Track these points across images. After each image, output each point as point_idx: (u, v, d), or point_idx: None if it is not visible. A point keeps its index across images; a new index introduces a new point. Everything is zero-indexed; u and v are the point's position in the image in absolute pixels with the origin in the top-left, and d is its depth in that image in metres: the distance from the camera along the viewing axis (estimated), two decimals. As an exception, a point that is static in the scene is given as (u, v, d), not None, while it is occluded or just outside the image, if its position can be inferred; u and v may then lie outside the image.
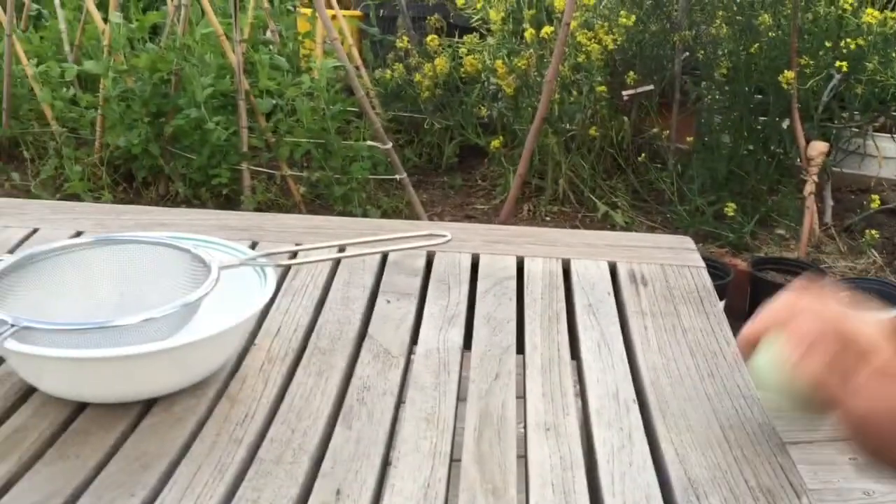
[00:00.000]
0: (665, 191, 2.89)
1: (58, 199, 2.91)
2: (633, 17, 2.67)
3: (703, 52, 2.71)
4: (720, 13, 2.64)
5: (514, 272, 0.84)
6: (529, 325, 0.75)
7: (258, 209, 2.87)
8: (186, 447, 0.58)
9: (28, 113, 3.16)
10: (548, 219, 2.96)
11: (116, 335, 0.62)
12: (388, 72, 3.09)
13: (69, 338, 0.61)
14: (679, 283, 0.82)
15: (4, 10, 3.00)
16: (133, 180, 2.98)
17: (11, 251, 0.85)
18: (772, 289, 2.34)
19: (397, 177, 2.77)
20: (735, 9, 2.63)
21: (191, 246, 0.71)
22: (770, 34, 2.56)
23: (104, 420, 0.61)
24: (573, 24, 2.58)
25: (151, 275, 0.71)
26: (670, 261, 0.86)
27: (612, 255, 0.87)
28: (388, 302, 0.78)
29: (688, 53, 2.82)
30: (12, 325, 0.59)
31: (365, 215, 2.82)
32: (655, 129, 2.84)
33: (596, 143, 2.92)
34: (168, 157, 2.86)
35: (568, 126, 2.91)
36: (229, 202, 2.92)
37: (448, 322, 0.75)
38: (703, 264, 0.85)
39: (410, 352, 0.71)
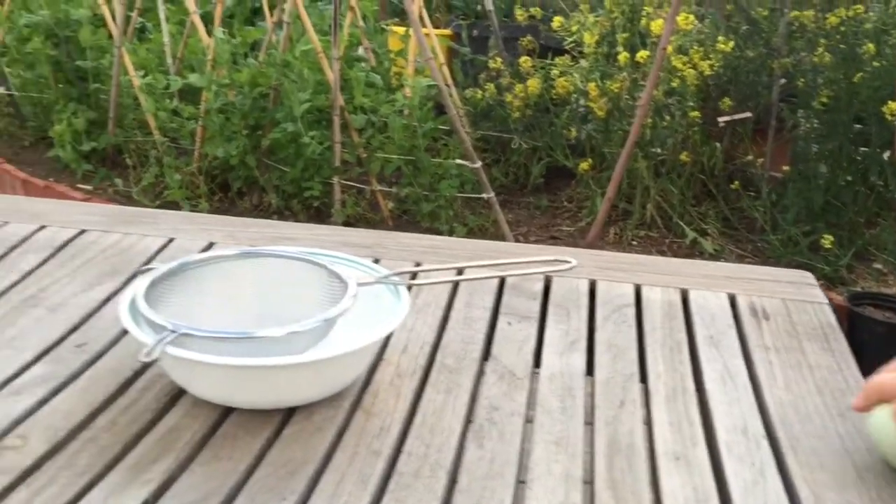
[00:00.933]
0: (757, 219, 2.83)
1: (157, 206, 3.03)
2: (732, 43, 2.64)
3: (802, 79, 2.66)
4: (822, 41, 2.59)
5: (632, 300, 0.85)
6: (651, 353, 0.76)
7: (347, 222, 2.93)
8: (328, 456, 0.61)
9: (132, 122, 3.30)
10: (634, 243, 2.94)
11: (262, 345, 0.65)
12: (479, 91, 3.13)
13: (220, 345, 0.64)
14: (802, 318, 0.82)
15: (115, 22, 3.15)
16: (228, 190, 3.08)
17: (150, 259, 0.89)
18: (870, 324, 2.28)
19: (485, 196, 2.80)
20: (838, 37, 2.57)
21: (327, 262, 0.74)
22: (874, 63, 2.50)
23: (250, 425, 0.64)
24: (668, 48, 2.56)
25: (290, 288, 0.74)
26: (792, 295, 0.86)
27: (731, 287, 0.87)
28: (510, 324, 0.80)
29: (785, 80, 2.77)
30: (173, 332, 0.62)
31: (451, 233, 2.86)
32: (750, 157, 2.79)
33: (686, 168, 2.90)
34: (263, 168, 2.95)
35: (659, 151, 2.89)
36: (319, 214, 2.99)
37: (569, 347, 0.76)
38: (825, 300, 0.84)
39: (534, 374, 0.72)
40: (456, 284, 0.86)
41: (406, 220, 3.02)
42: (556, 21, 2.87)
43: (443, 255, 0.92)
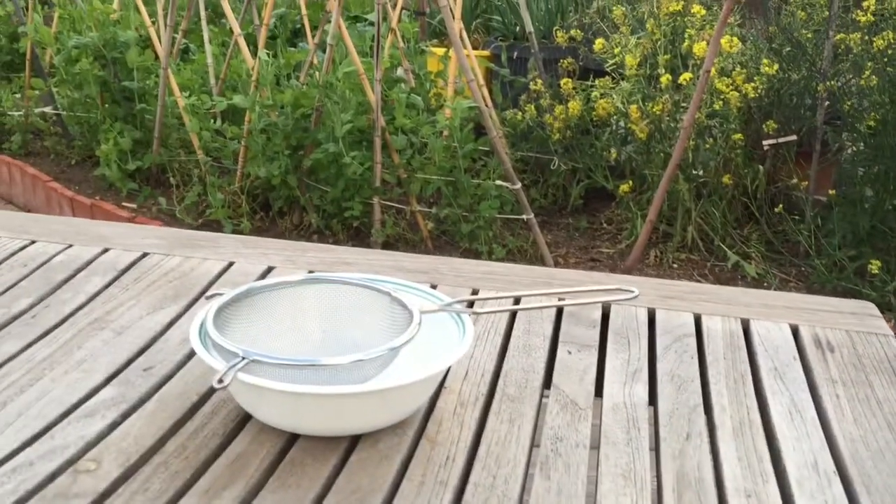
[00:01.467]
0: (800, 243, 2.80)
1: (199, 224, 3.07)
2: (777, 66, 2.62)
3: (849, 103, 2.63)
4: (869, 64, 2.56)
5: (692, 329, 0.84)
6: (714, 385, 0.75)
7: (386, 242, 2.95)
8: (396, 485, 0.61)
9: (175, 142, 3.36)
10: (675, 266, 2.92)
11: (329, 372, 0.65)
12: (519, 113, 3.13)
13: (287, 372, 0.65)
14: (868, 350, 0.80)
15: (160, 43, 3.21)
16: (269, 209, 3.12)
17: (211, 283, 0.91)
18: (920, 352, 2.23)
19: (524, 217, 2.80)
20: (885, 60, 2.54)
21: (391, 289, 0.74)
22: (923, 86, 2.47)
23: (316, 452, 0.64)
24: (712, 70, 2.55)
25: (352, 314, 0.75)
26: (855, 327, 0.84)
27: (793, 318, 0.86)
28: (570, 353, 0.80)
29: (828, 103, 2.75)
30: (243, 358, 0.63)
31: (490, 253, 2.86)
32: (794, 180, 2.76)
33: (728, 191, 2.87)
34: (304, 188, 2.98)
35: (700, 173, 2.87)
36: (359, 235, 3.02)
37: (631, 377, 0.76)
38: (890, 332, 0.83)
39: (597, 404, 0.72)
40: (514, 312, 0.86)
41: (445, 240, 3.03)
42: (598, 44, 2.87)
43: (500, 282, 0.92)
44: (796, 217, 2.83)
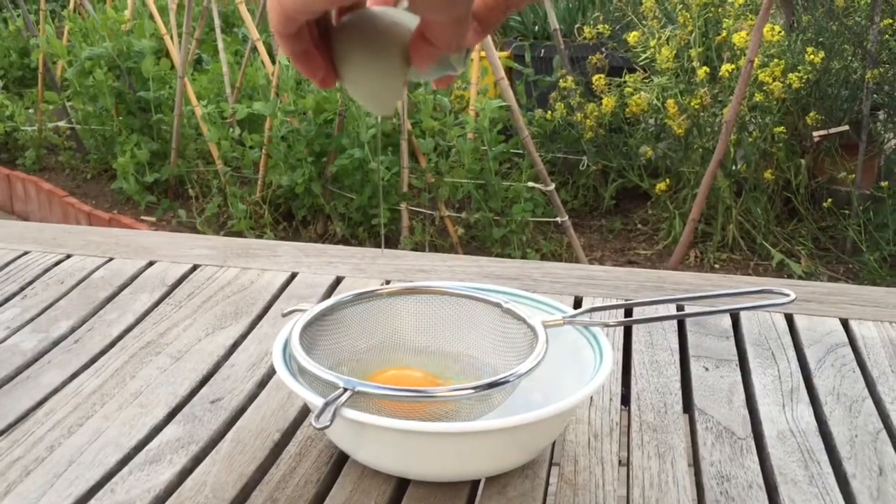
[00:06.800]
0: (848, 239, 2.67)
1: (221, 237, 2.96)
2: (822, 54, 2.50)
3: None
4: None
5: (843, 338, 0.72)
6: (891, 405, 0.63)
7: (415, 250, 2.83)
8: (544, 544, 0.49)
9: (193, 152, 3.25)
10: (717, 266, 2.80)
11: (448, 405, 0.53)
12: (549, 112, 3.02)
13: (395, 404, 0.53)
14: None
15: (177, 52, 3.11)
16: (292, 219, 3.00)
17: (275, 298, 0.79)
18: None
19: (559, 219, 2.68)
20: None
21: (501, 300, 0.63)
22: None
23: (436, 502, 0.52)
24: (756, 61, 2.43)
25: (455, 331, 0.63)
26: None
27: (955, 321, 0.74)
28: (706, 369, 0.68)
29: (875, 95, 2.62)
30: (345, 390, 0.51)
31: (524, 258, 2.74)
32: (843, 174, 2.63)
33: (769, 186, 2.75)
34: (328, 196, 2.87)
35: (741, 169, 2.75)
36: (387, 243, 2.90)
37: (789, 397, 0.64)
38: None
39: (758, 433, 0.60)
40: (634, 323, 0.74)
41: (475, 246, 2.91)
42: (633, 36, 2.75)
43: (604, 288, 0.81)
44: (845, 211, 2.71)
